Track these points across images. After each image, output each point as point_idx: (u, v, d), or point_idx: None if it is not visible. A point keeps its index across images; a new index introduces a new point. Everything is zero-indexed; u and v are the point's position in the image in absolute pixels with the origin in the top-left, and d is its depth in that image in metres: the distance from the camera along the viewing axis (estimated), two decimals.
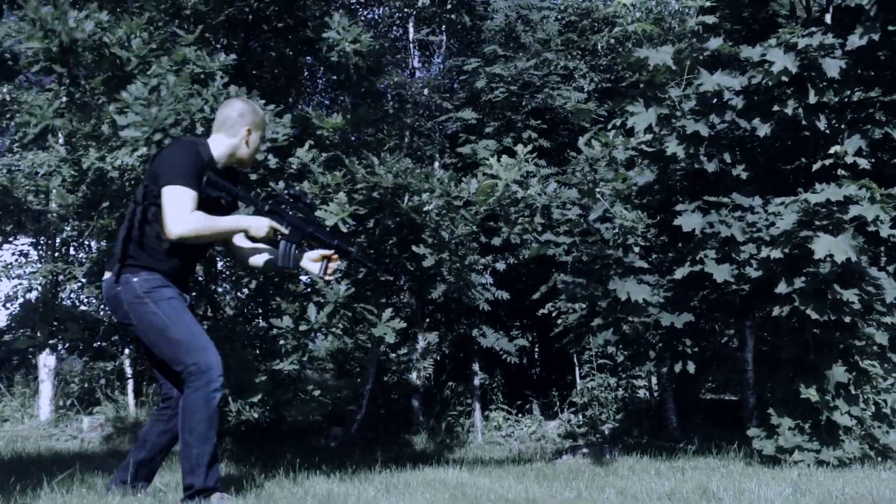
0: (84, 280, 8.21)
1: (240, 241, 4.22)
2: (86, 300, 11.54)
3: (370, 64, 7.02)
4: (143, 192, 3.91)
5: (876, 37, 6.57)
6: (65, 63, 5.86)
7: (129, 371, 12.70)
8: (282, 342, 6.49)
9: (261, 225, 3.93)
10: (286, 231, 4.00)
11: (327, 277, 4.11)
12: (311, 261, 4.09)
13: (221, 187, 3.97)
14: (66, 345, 7.20)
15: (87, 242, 12.00)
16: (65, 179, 6.76)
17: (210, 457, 3.80)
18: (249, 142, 4.09)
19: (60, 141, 7.25)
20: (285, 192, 4.25)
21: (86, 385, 12.90)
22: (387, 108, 8.32)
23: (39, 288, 11.77)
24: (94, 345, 7.12)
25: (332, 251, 4.06)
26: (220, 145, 4.08)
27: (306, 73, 9.35)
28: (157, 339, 3.86)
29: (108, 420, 12.19)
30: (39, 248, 12.56)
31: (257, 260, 4.24)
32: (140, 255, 3.91)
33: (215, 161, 4.04)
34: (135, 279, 3.89)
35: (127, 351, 7.53)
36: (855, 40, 6.65)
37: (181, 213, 3.77)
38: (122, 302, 3.90)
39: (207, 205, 3.90)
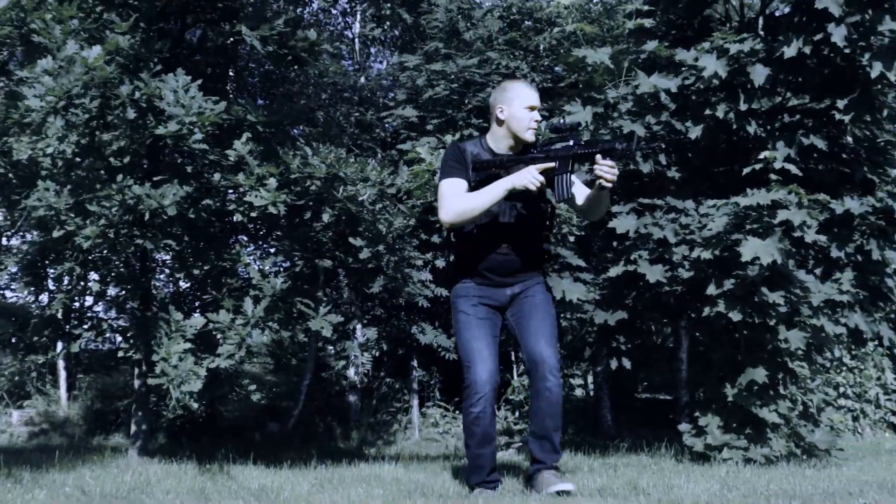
0: (15, 271, 7.99)
1: (579, 199, 4.21)
2: (17, 293, 11.28)
3: (295, 53, 6.99)
4: None
5: (807, 49, 6.63)
6: None
7: (61, 364, 12.46)
8: (219, 336, 6.43)
9: (523, 176, 3.94)
10: (554, 165, 4.01)
11: (608, 179, 3.90)
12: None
13: (486, 166, 4.10)
14: None
15: (19, 233, 11.71)
16: None
17: (472, 460, 4.13)
18: (504, 117, 4.13)
19: None
20: (549, 131, 4.22)
21: (16, 378, 12.60)
22: (298, 101, 8.27)
23: None
24: (26, 340, 6.99)
25: (598, 156, 3.92)
26: (492, 133, 4.21)
27: (251, 65, 9.25)
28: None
29: (38, 414, 11.95)
30: None
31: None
32: (455, 257, 4.25)
33: (492, 150, 4.18)
34: (454, 287, 4.25)
35: (60, 345, 7.36)
36: (787, 51, 6.69)
37: (441, 202, 4.03)
38: None
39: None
